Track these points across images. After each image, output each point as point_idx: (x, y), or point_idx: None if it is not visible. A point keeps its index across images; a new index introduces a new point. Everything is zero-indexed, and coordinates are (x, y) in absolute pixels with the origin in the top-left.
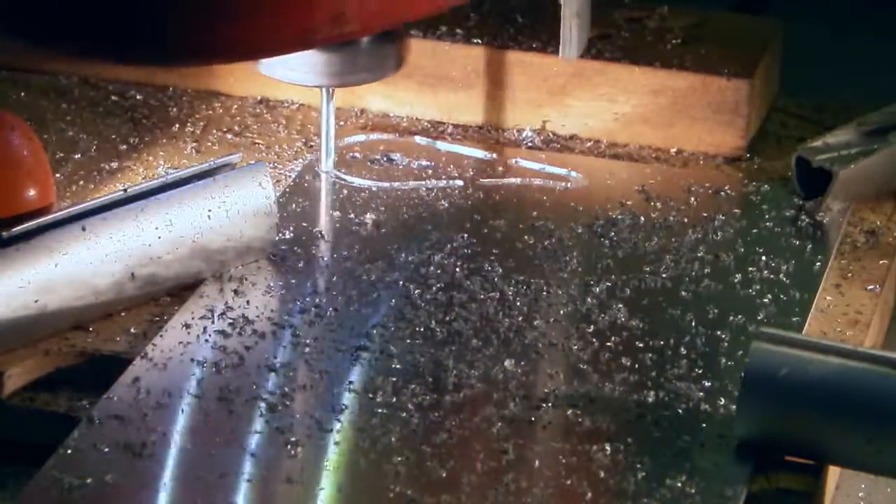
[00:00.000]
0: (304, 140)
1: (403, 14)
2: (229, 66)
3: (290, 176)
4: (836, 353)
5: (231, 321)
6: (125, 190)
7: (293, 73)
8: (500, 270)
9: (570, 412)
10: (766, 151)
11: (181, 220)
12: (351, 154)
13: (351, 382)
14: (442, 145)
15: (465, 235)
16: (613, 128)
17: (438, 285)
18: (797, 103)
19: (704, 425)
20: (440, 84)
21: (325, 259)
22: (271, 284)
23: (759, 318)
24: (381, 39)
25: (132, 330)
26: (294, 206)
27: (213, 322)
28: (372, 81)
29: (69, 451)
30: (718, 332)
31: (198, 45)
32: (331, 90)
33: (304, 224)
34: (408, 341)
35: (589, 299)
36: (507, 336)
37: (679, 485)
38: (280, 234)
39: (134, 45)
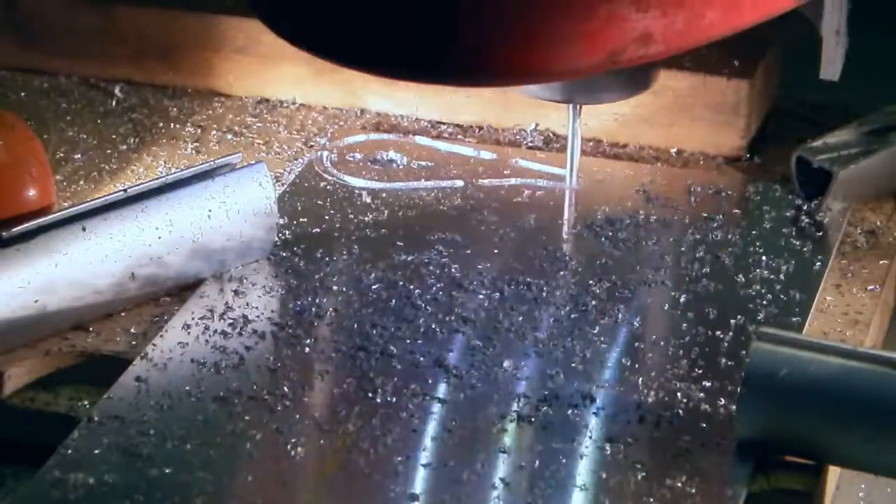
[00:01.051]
0: (304, 140)
1: (706, 34)
2: (229, 66)
3: (290, 176)
4: (836, 353)
5: (231, 321)
6: (125, 190)
7: (540, 89)
8: (500, 270)
9: (570, 412)
10: (766, 151)
11: (181, 220)
12: (351, 154)
13: (351, 382)
14: (442, 145)
15: (465, 235)
16: (613, 128)
17: (438, 285)
18: (797, 103)
19: (704, 425)
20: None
21: (325, 259)
22: (271, 284)
23: (759, 318)
24: None
25: (132, 330)
26: (294, 206)
27: (213, 322)
28: (620, 100)
29: (69, 451)
30: (718, 332)
31: (512, 66)
32: (578, 107)
33: (304, 224)
34: (408, 341)
35: (589, 299)
36: (507, 336)
37: (679, 485)
38: (280, 234)
39: (453, 66)
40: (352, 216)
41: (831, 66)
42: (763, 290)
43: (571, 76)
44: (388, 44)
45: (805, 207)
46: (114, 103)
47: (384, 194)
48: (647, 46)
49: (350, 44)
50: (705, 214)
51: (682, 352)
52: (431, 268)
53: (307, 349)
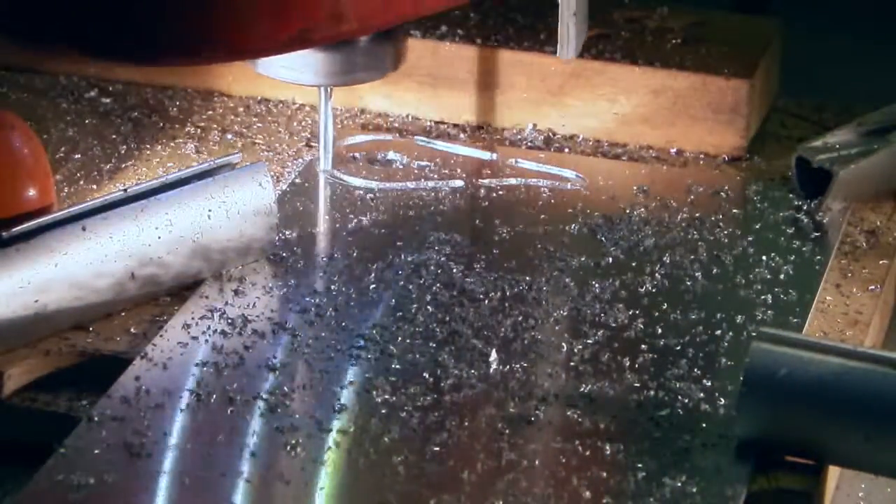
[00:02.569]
0: (304, 140)
1: (401, 13)
2: (229, 66)
3: (290, 176)
4: (836, 353)
5: (231, 321)
6: (125, 190)
7: (291, 73)
8: (500, 270)
9: (570, 412)
10: (766, 151)
11: (181, 220)
12: (351, 154)
13: (351, 382)
14: (442, 145)
15: (465, 235)
16: (613, 128)
17: (438, 285)
18: (797, 103)
19: (704, 425)
20: (440, 84)
21: (325, 259)
22: (271, 284)
23: (759, 318)
24: (380, 38)
25: (132, 330)
26: (294, 206)
27: (213, 322)
28: (370, 80)
29: (69, 451)
30: (718, 332)
31: (196, 44)
32: (329, 90)
33: (304, 224)
34: (408, 341)
35: (589, 299)
36: (506, 336)
37: (679, 485)
38: (280, 234)
39: (131, 44)
40: (352, 216)
41: (566, 46)
42: (763, 290)
43: (265, 53)
44: (79, 23)
45: (805, 207)
46: (114, 103)
47: (384, 194)
48: (339, 24)
49: (40, 22)
50: (705, 214)
51: (682, 352)
52: (431, 268)
53: (307, 349)
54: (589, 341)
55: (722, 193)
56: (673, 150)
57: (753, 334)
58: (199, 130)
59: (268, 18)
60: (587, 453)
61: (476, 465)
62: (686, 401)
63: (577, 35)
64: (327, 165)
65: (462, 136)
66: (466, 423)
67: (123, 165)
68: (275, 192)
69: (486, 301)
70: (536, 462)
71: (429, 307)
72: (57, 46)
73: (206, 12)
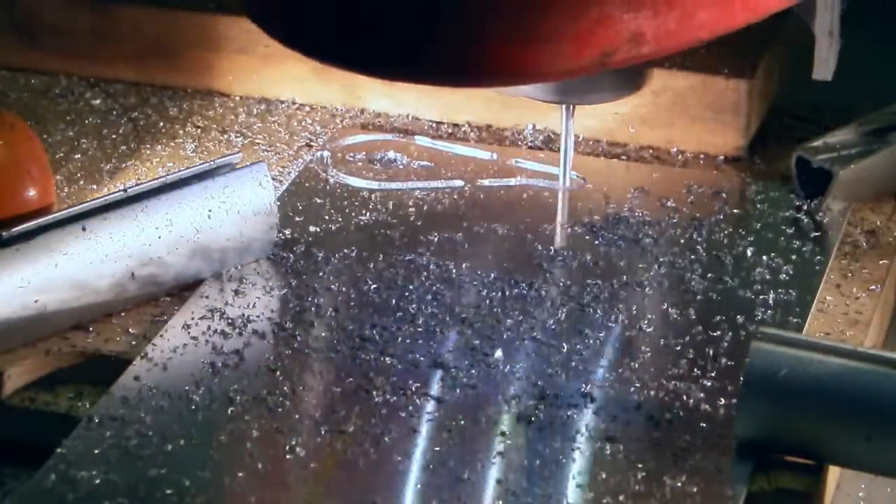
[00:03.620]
0: (304, 140)
1: (698, 34)
2: (229, 66)
3: (290, 176)
4: (836, 353)
5: (231, 321)
6: (125, 190)
7: (534, 90)
8: (500, 270)
9: (569, 412)
10: (766, 151)
11: (181, 220)
12: (351, 154)
13: (351, 382)
14: (442, 145)
15: (465, 235)
16: (613, 128)
17: (438, 285)
18: (797, 103)
19: (704, 425)
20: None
21: (325, 259)
22: (271, 284)
23: (759, 318)
24: None
25: (132, 330)
26: (294, 206)
27: (213, 322)
28: (611, 101)
29: (69, 451)
30: (718, 332)
31: (500, 67)
32: (571, 108)
33: (304, 224)
34: (407, 341)
35: (588, 299)
36: (506, 336)
37: (679, 485)
38: (280, 234)
39: (436, 65)
40: (352, 216)
41: (824, 66)
42: (763, 290)
43: (563, 77)
44: (378, 43)
45: (805, 207)
46: (114, 103)
47: (384, 194)
48: (638, 47)
49: (340, 43)
50: (705, 214)
51: (682, 352)
52: (431, 268)
53: (307, 349)
54: (589, 341)
55: (722, 193)
56: (673, 150)
57: (753, 334)
58: (199, 130)
59: (570, 43)
60: (587, 453)
61: (476, 465)
62: (686, 401)
63: (833, 54)
64: (567, 182)
65: (462, 136)
66: (466, 423)
67: (123, 165)
68: (275, 192)
69: (487, 301)
70: (537, 462)
71: (429, 307)
72: (365, 69)
73: (509, 38)
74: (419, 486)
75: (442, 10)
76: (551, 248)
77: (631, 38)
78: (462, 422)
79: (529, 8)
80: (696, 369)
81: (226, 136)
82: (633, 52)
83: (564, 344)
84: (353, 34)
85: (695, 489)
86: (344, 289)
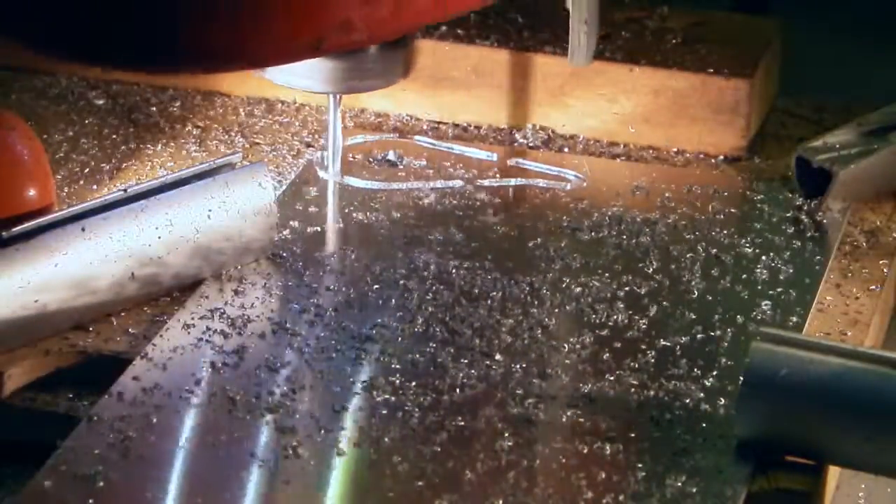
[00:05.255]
0: (304, 140)
1: (411, 22)
2: None
3: (290, 176)
4: (836, 353)
5: (231, 321)
6: (125, 190)
7: (301, 80)
8: (500, 270)
9: (570, 412)
10: (766, 151)
11: (181, 220)
12: (351, 154)
13: (351, 382)
14: (442, 145)
15: (465, 235)
16: (613, 128)
17: (438, 285)
18: (797, 103)
19: (704, 425)
20: (440, 84)
21: (325, 259)
22: (271, 284)
23: (759, 318)
24: (389, 46)
25: (132, 330)
26: (294, 206)
27: (213, 322)
28: (380, 88)
29: (69, 451)
30: (718, 332)
31: (205, 53)
32: (338, 97)
33: (304, 224)
34: (408, 341)
35: (589, 299)
36: (506, 336)
37: (679, 485)
38: (280, 234)
39: (141, 51)
40: (352, 216)
41: (579, 53)
42: (763, 290)
43: (277, 62)
44: (82, 29)
45: (805, 207)
46: (114, 103)
47: (384, 194)
48: (348, 34)
49: (49, 31)
50: (705, 214)
51: (682, 352)
52: (431, 268)
53: (307, 349)
54: (589, 341)
55: (722, 193)
56: (673, 150)
57: (753, 334)
58: (199, 130)
59: (281, 27)
60: (587, 453)
61: (476, 465)
62: (686, 401)
63: (589, 42)
64: (336, 172)
65: (462, 136)
66: (466, 423)
67: (123, 165)
68: (275, 191)
69: (486, 301)
70: (536, 462)
71: (429, 307)
72: (60, 52)
73: (220, 22)
74: (419, 486)
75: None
76: (550, 247)
77: (340, 26)
78: (462, 422)
79: None
80: (696, 369)
81: (226, 136)
82: (343, 38)
83: (565, 344)
84: (65, 24)
85: (695, 489)
86: (344, 289)
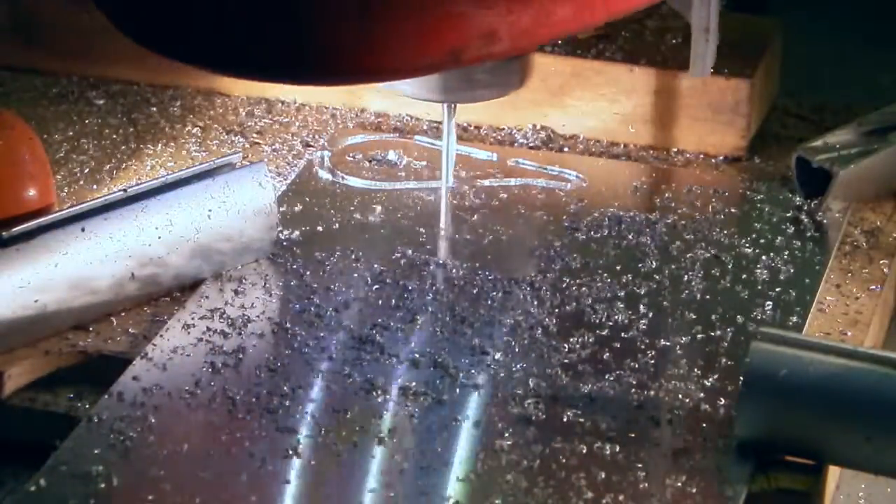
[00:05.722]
0: (304, 140)
1: (552, 32)
2: None
3: (290, 176)
4: (836, 353)
5: (231, 321)
6: (125, 190)
7: (414, 89)
8: (500, 270)
9: (570, 412)
10: (766, 151)
11: (181, 220)
12: (351, 154)
13: (351, 382)
14: (442, 145)
15: (465, 235)
16: (613, 128)
17: (438, 285)
18: (797, 103)
19: (704, 425)
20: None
21: (325, 259)
22: (271, 284)
23: (759, 318)
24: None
25: (132, 330)
26: (294, 206)
27: (213, 322)
28: (495, 98)
29: (69, 451)
30: (718, 332)
31: (348, 66)
32: (453, 106)
33: (304, 224)
34: (408, 341)
35: (589, 299)
36: (507, 336)
37: (679, 485)
38: (280, 234)
39: (286, 63)
40: (352, 216)
41: (700, 63)
42: (763, 290)
43: (414, 74)
44: (222, 41)
45: (805, 207)
46: (114, 103)
47: (384, 194)
48: (491, 44)
49: (187, 40)
50: (705, 214)
51: (682, 352)
52: (431, 268)
53: (307, 349)
54: (589, 341)
55: (722, 193)
56: (673, 150)
57: (753, 334)
58: (199, 130)
59: (418, 39)
60: (587, 453)
61: (476, 465)
62: (686, 401)
63: (710, 51)
64: (449, 180)
65: (462, 136)
66: (466, 424)
67: (123, 165)
68: (275, 192)
69: (487, 301)
70: (536, 462)
71: (429, 307)
72: (208, 63)
73: (358, 34)
74: (419, 486)
75: (292, 8)
76: (550, 247)
77: (483, 36)
78: (462, 422)
79: (380, 5)
80: (696, 369)
81: (226, 136)
82: (485, 49)
83: (564, 344)
84: (209, 35)
85: (695, 489)
86: (344, 289)
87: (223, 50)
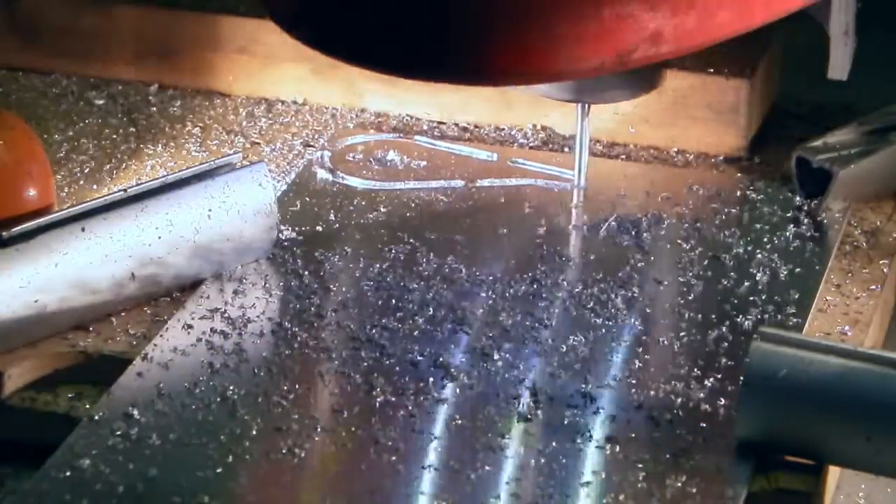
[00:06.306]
0: (304, 140)
1: (717, 34)
2: (229, 66)
3: (290, 176)
4: (836, 353)
5: (231, 321)
6: (125, 190)
7: (550, 89)
8: (500, 270)
9: (570, 412)
10: (766, 151)
11: (181, 220)
12: (351, 154)
13: (351, 382)
14: (442, 145)
15: (465, 235)
16: (613, 128)
17: (438, 285)
18: (797, 103)
19: (704, 425)
20: (440, 84)
21: (325, 259)
22: (271, 284)
23: (758, 318)
24: None
25: (132, 330)
26: (294, 206)
27: (213, 322)
28: (627, 99)
29: (69, 451)
30: (718, 332)
31: (519, 66)
32: (587, 106)
33: (304, 224)
34: (408, 341)
35: (589, 299)
36: (507, 336)
37: (679, 485)
38: (280, 234)
39: (459, 65)
40: (352, 216)
41: (840, 66)
42: (763, 290)
43: (580, 76)
44: (393, 42)
45: (805, 207)
46: (114, 103)
47: (384, 194)
48: (657, 46)
49: (355, 41)
50: (705, 214)
51: (682, 352)
52: (431, 268)
53: (307, 349)
54: (589, 341)
55: (722, 193)
56: (673, 150)
57: (753, 334)
58: (199, 130)
59: (589, 42)
60: (587, 453)
61: (476, 465)
62: (686, 401)
63: (849, 54)
64: (581, 181)
65: (462, 136)
66: (466, 423)
67: (123, 165)
68: (275, 192)
69: (487, 301)
70: (535, 462)
71: (429, 307)
72: (382, 66)
73: (526, 36)
74: (419, 486)
75: (463, 9)
76: (551, 247)
77: (650, 38)
78: (462, 422)
79: (550, 6)
80: (696, 369)
81: (226, 136)
82: (651, 51)
83: (565, 344)
84: (377, 36)
85: (695, 489)
86: (344, 289)
87: (398, 53)
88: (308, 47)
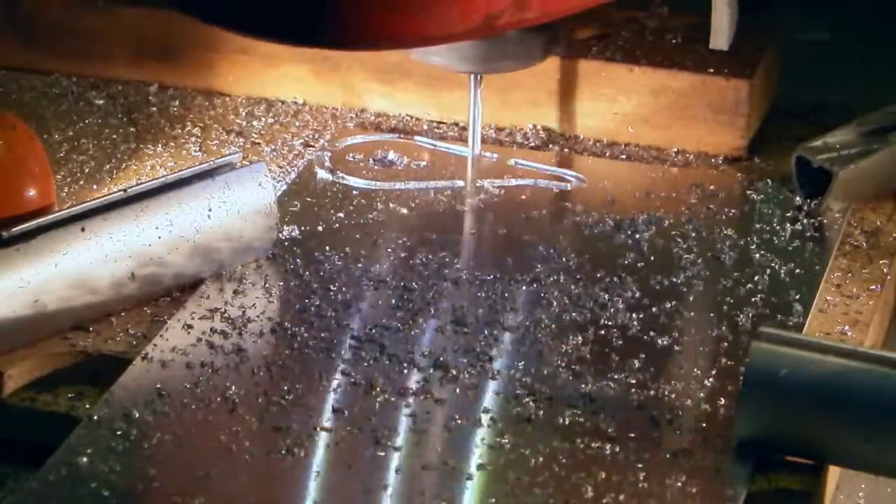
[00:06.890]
0: (304, 140)
1: (580, 2)
2: (229, 66)
3: (290, 176)
4: (836, 353)
5: (231, 321)
6: (125, 190)
7: (441, 59)
8: (500, 270)
9: (570, 412)
10: (766, 151)
11: (181, 220)
12: (351, 154)
13: (351, 382)
14: (442, 145)
15: (465, 236)
16: (613, 128)
17: (438, 285)
18: (797, 103)
19: (704, 425)
20: (440, 84)
21: (325, 259)
22: (271, 284)
23: (759, 318)
24: (529, 27)
25: (132, 330)
26: (294, 206)
27: (213, 322)
28: (519, 69)
29: (69, 451)
30: (718, 332)
31: (381, 30)
32: (479, 77)
33: (304, 224)
34: (408, 341)
35: (589, 299)
36: (507, 336)
37: (679, 485)
38: (280, 234)
39: (313, 28)
40: (352, 216)
41: (721, 36)
42: (763, 290)
43: (448, 40)
44: (266, 8)
45: (805, 207)
46: (114, 103)
47: (384, 194)
48: (522, 11)
49: (231, 6)
50: (705, 214)
51: (682, 352)
52: (431, 268)
53: (307, 349)
54: (589, 341)
55: (722, 193)
56: (673, 150)
57: (753, 334)
58: (199, 130)
59: (456, 6)
60: (587, 453)
61: (476, 465)
62: (686, 401)
63: (731, 24)
64: (476, 150)
65: (462, 136)
66: (466, 423)
67: (123, 165)
68: (275, 191)
69: (487, 301)
70: (536, 462)
71: (429, 307)
72: (234, 26)
73: (394, 2)
74: (419, 485)
75: None
76: (550, 247)
77: (515, 2)
78: (462, 422)
79: None
80: (696, 369)
81: (226, 136)
82: (517, 16)
83: (565, 344)
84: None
85: (695, 489)
86: (344, 289)
87: (265, 17)
88: (196, 19)
